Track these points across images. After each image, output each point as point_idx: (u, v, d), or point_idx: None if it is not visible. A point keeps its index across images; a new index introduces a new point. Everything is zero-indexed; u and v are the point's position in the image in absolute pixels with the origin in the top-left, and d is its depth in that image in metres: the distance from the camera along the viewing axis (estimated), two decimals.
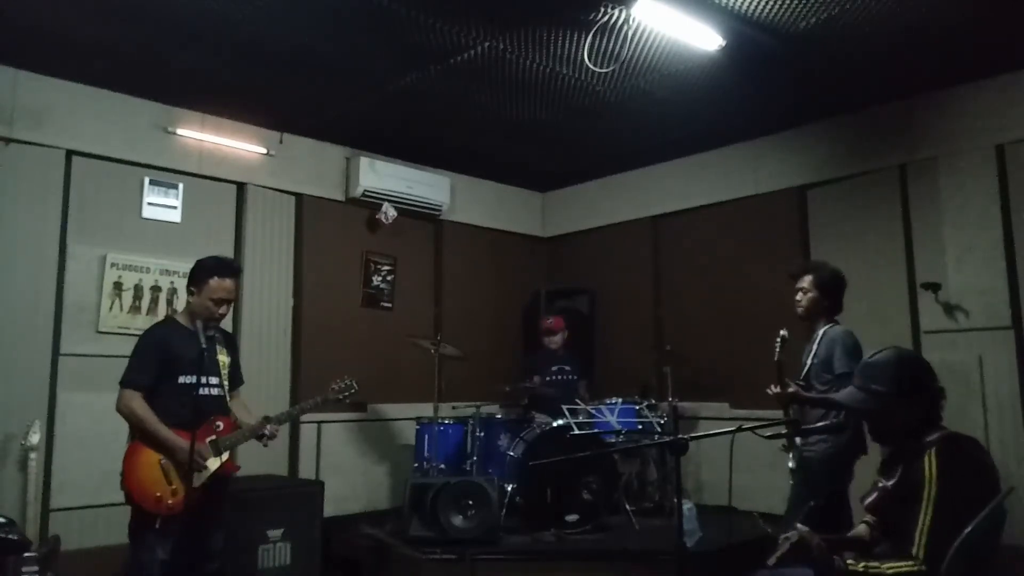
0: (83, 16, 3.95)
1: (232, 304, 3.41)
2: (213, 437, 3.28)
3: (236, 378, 3.57)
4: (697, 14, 3.87)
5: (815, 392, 3.57)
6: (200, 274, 3.34)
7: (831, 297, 3.72)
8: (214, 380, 3.32)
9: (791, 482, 3.72)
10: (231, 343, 3.53)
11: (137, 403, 3.18)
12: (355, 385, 3.67)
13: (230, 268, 3.39)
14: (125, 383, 3.23)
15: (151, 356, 3.25)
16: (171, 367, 3.24)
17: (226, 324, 5.20)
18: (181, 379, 3.25)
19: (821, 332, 3.67)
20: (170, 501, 3.14)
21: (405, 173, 6.18)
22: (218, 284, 3.32)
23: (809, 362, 3.66)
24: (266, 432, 3.40)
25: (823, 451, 3.50)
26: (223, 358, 3.41)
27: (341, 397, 3.67)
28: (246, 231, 5.48)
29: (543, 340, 5.97)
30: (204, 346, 3.19)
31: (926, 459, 2.17)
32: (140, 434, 3.20)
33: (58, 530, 4.30)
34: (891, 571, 2.10)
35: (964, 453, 2.23)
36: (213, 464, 3.28)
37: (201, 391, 3.27)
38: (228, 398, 3.45)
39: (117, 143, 4.92)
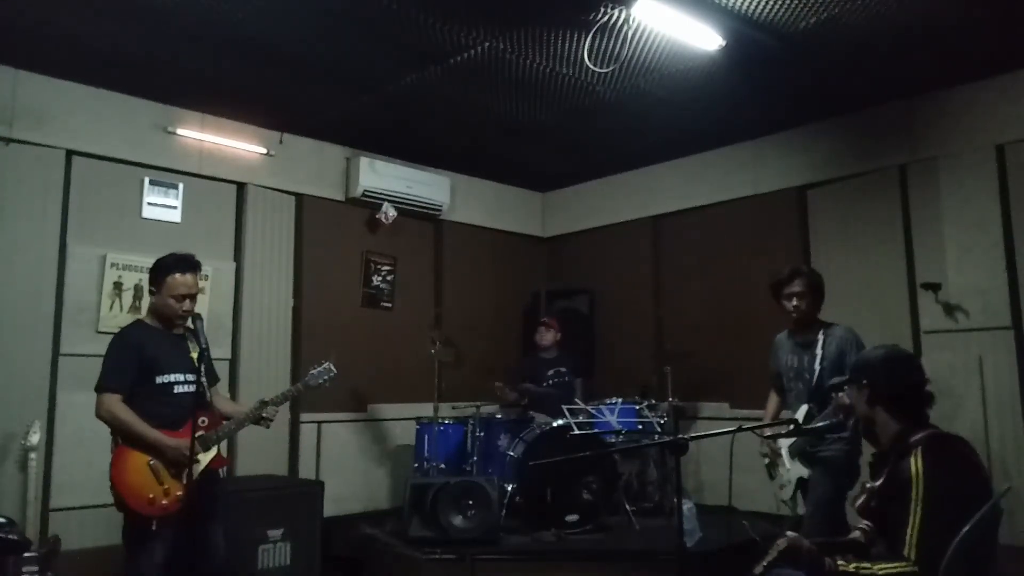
0: (83, 16, 3.95)
1: (195, 299, 3.34)
2: (200, 433, 3.24)
3: (211, 376, 3.51)
4: (697, 14, 3.87)
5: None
6: (159, 273, 3.29)
7: (822, 296, 3.76)
8: (191, 377, 3.27)
9: (789, 486, 3.71)
10: (194, 338, 3.41)
11: (118, 407, 3.15)
12: (333, 368, 3.59)
13: (189, 263, 3.31)
14: (102, 388, 3.18)
15: (127, 358, 3.21)
16: (147, 368, 3.22)
17: (226, 324, 5.28)
18: (159, 379, 3.23)
19: (821, 335, 3.65)
20: (164, 501, 3.12)
21: (405, 173, 6.19)
22: (177, 280, 3.25)
23: (818, 368, 3.61)
24: (266, 415, 3.40)
25: (842, 449, 3.51)
26: (197, 355, 3.33)
27: (321, 382, 3.58)
28: (246, 231, 5.49)
29: (539, 341, 5.94)
30: (204, 345, 3.19)
31: (912, 459, 2.18)
32: (124, 437, 3.16)
33: (58, 530, 4.30)
34: (882, 571, 2.10)
35: (950, 451, 2.24)
36: (204, 459, 3.26)
37: (179, 389, 3.26)
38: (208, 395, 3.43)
39: (117, 143, 4.92)
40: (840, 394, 2.71)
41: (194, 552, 3.25)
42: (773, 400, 4.00)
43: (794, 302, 3.73)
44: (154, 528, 3.09)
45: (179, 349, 3.28)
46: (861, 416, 2.40)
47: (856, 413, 2.44)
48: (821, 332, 3.66)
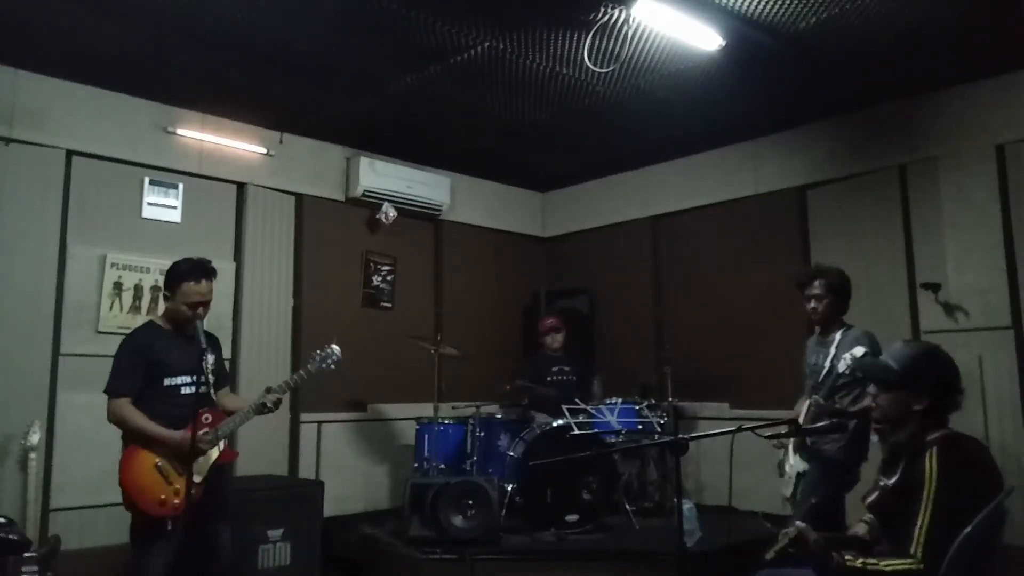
0: (83, 16, 3.95)
1: (209, 305, 3.35)
2: (206, 429, 3.26)
3: (221, 378, 3.53)
4: (697, 14, 3.87)
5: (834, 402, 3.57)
6: (174, 279, 3.30)
7: (843, 298, 3.70)
8: (200, 379, 3.28)
9: (789, 479, 3.71)
10: (213, 343, 3.45)
11: (126, 410, 3.17)
12: (337, 350, 3.59)
13: (203, 270, 3.32)
14: (112, 392, 3.21)
15: (134, 361, 3.23)
16: (155, 370, 3.24)
17: (226, 324, 5.28)
18: (166, 381, 3.26)
19: (839, 335, 3.63)
20: (176, 501, 3.14)
21: (405, 173, 6.18)
22: (191, 288, 3.27)
23: (828, 365, 3.62)
24: (268, 402, 3.39)
25: (839, 449, 3.50)
26: (206, 358, 3.31)
27: (325, 366, 3.59)
28: (246, 231, 5.48)
29: (543, 340, 5.95)
30: (204, 346, 3.19)
31: (927, 458, 2.17)
32: (133, 438, 3.19)
33: (58, 530, 4.30)
34: (889, 568, 2.10)
35: (965, 453, 2.23)
36: (213, 453, 3.29)
37: (187, 391, 3.27)
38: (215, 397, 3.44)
39: (117, 143, 4.92)
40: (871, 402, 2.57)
41: (201, 553, 3.26)
42: (802, 400, 3.97)
43: (812, 304, 3.70)
44: (170, 528, 3.10)
45: (188, 351, 3.27)
46: (894, 418, 2.34)
47: (887, 413, 2.37)
48: (840, 332, 3.64)
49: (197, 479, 3.19)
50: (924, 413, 2.27)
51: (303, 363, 3.77)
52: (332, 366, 3.61)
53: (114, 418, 3.19)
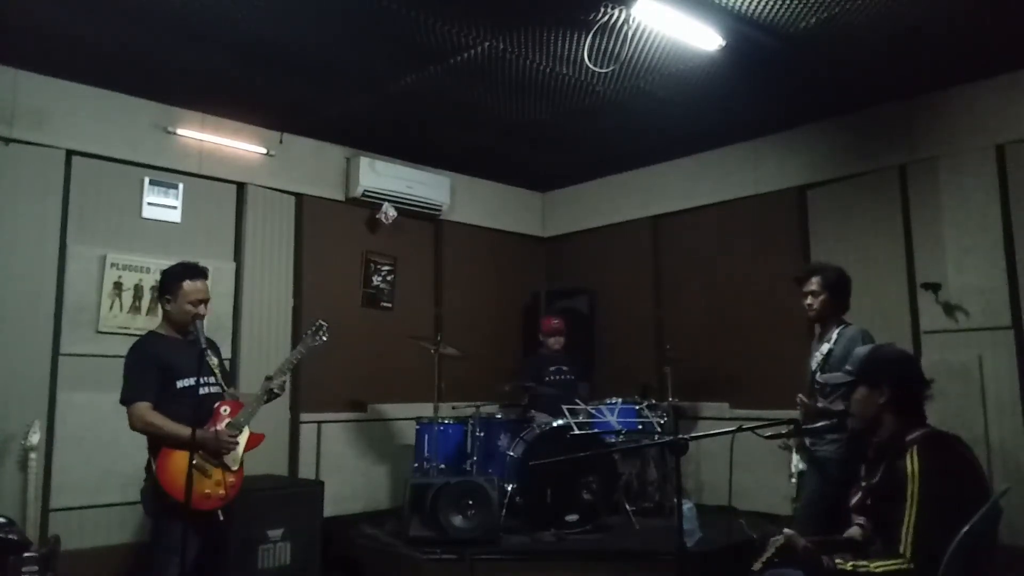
0: (83, 16, 3.95)
1: (207, 304, 3.41)
2: (228, 420, 3.34)
3: (228, 379, 3.59)
4: (697, 14, 3.87)
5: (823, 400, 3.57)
6: (172, 282, 3.36)
7: (840, 296, 3.68)
8: (212, 379, 3.37)
9: (794, 481, 3.71)
10: (212, 346, 3.50)
11: (150, 415, 3.19)
12: (324, 323, 3.71)
13: (197, 270, 3.41)
14: (131, 399, 3.22)
15: (144, 368, 3.26)
16: (167, 374, 3.27)
17: (226, 324, 5.28)
18: (179, 384, 3.28)
19: (835, 332, 3.62)
20: (221, 491, 3.22)
21: (405, 173, 6.19)
22: (191, 286, 3.34)
23: (818, 365, 3.62)
24: (274, 388, 3.49)
25: (836, 450, 3.49)
26: (211, 360, 3.42)
27: (317, 341, 3.70)
28: (246, 231, 5.49)
29: (545, 340, 5.95)
30: (204, 346, 3.21)
31: (908, 457, 2.19)
32: (164, 442, 3.19)
33: (58, 530, 4.30)
34: (879, 570, 2.11)
35: (946, 450, 2.25)
36: (242, 440, 3.36)
37: (203, 391, 3.31)
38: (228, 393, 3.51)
39: (117, 143, 4.92)
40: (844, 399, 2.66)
41: (205, 549, 3.28)
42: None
43: (807, 300, 3.69)
44: (221, 518, 3.21)
45: (192, 352, 3.29)
46: (869, 417, 2.37)
47: (861, 413, 2.41)
48: (836, 331, 3.62)
49: (235, 467, 3.32)
50: (896, 409, 2.30)
51: (299, 342, 3.86)
52: (323, 338, 3.71)
53: (140, 425, 3.19)
